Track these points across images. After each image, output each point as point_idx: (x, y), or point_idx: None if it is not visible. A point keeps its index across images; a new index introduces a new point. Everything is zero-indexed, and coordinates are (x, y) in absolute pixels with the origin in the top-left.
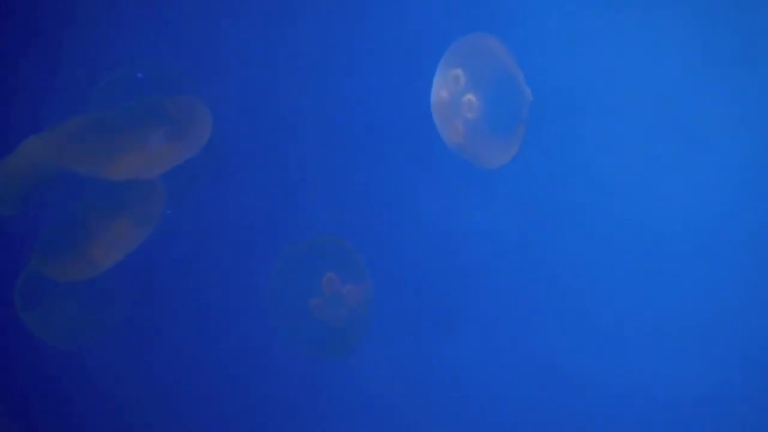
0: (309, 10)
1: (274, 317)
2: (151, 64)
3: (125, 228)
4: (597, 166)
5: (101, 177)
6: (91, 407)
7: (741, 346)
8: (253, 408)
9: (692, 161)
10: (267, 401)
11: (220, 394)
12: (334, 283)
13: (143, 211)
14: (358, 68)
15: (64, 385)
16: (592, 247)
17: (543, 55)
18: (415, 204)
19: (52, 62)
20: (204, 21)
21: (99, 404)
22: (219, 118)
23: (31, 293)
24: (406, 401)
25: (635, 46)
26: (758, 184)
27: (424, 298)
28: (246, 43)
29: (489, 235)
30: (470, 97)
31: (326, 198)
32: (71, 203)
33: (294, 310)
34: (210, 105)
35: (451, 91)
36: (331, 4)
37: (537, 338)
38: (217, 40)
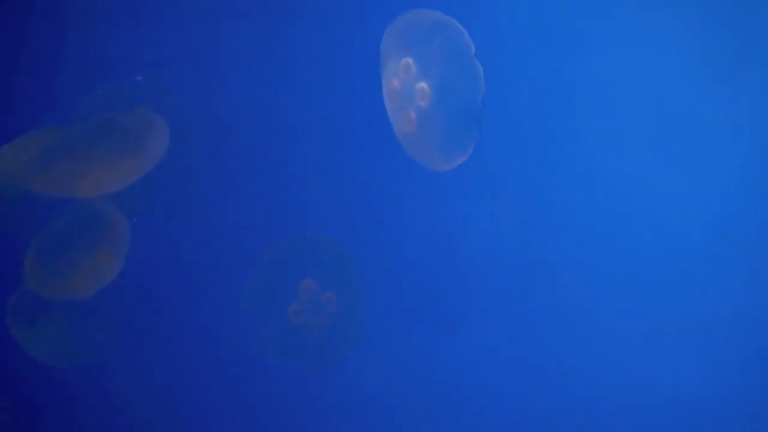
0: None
1: (253, 324)
2: (148, 66)
3: (103, 259)
4: (596, 166)
5: (68, 196)
6: (83, 419)
7: (741, 346)
8: (252, 410)
9: (691, 161)
10: (266, 403)
11: (219, 399)
12: (313, 289)
13: (115, 243)
14: (347, 68)
15: (56, 399)
16: (592, 246)
17: (542, 56)
18: (413, 203)
19: (51, 63)
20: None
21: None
22: (197, 124)
23: (24, 310)
24: (404, 402)
25: (634, 46)
26: (757, 185)
27: (422, 299)
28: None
29: (488, 235)
30: (422, 85)
31: (323, 199)
32: (48, 232)
33: (274, 316)
34: (189, 108)
35: (403, 80)
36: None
37: (537, 339)
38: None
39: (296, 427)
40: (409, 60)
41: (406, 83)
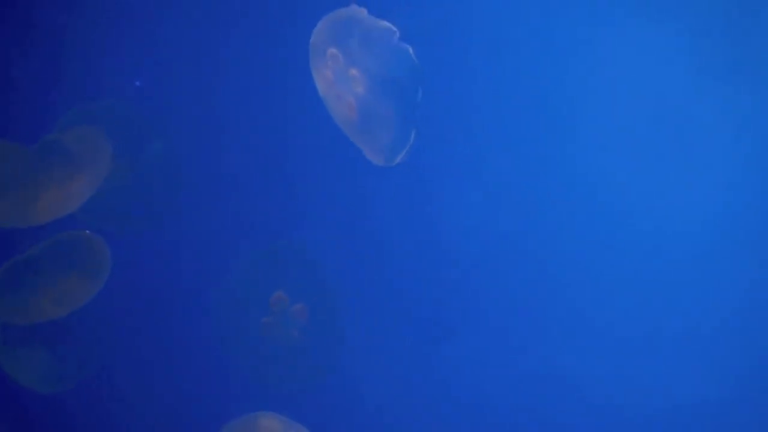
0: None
1: (226, 337)
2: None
3: (73, 284)
4: (597, 169)
5: (24, 225)
6: None
7: (741, 348)
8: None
9: (691, 163)
10: (265, 405)
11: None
12: (283, 301)
13: (90, 268)
14: None
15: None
16: (592, 249)
17: (543, 58)
18: (410, 206)
19: (52, 62)
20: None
21: None
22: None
23: (5, 338)
24: (402, 407)
25: (634, 47)
26: (758, 186)
27: (421, 302)
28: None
29: (488, 237)
30: (354, 71)
31: (319, 203)
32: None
33: (247, 329)
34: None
35: (333, 69)
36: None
37: (537, 342)
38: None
39: None
40: (334, 50)
41: (338, 72)
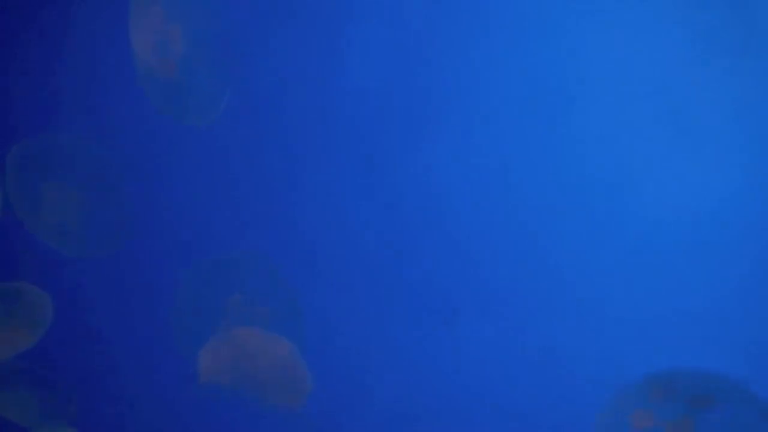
0: None
1: (182, 340)
2: None
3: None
4: (594, 159)
5: None
6: None
7: (740, 345)
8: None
9: (689, 153)
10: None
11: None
12: (242, 303)
13: (29, 318)
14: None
15: None
16: (593, 240)
17: (533, 43)
18: (412, 201)
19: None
20: None
21: None
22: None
23: None
24: (405, 398)
25: (629, 32)
26: (758, 178)
27: (424, 290)
28: None
29: (487, 229)
30: (173, 27)
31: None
32: None
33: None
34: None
35: (155, 32)
36: None
37: (539, 332)
38: None
39: (291, 424)
40: (158, 8)
41: (158, 33)
